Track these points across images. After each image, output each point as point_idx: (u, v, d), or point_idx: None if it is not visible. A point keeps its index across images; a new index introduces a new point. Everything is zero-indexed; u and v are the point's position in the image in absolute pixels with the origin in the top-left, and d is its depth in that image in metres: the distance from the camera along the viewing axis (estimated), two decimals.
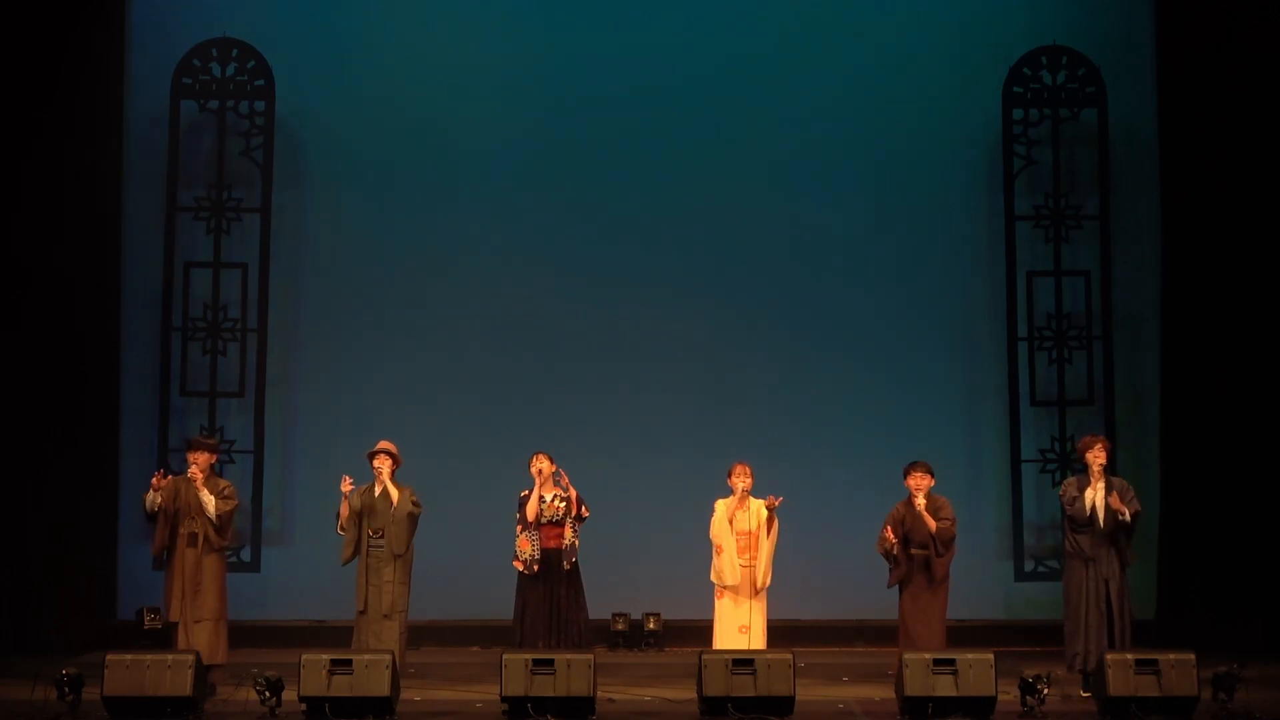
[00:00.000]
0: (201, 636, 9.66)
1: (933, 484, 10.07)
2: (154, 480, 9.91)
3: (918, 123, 12.91)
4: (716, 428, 12.50)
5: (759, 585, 10.11)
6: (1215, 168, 12.21)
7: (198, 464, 9.92)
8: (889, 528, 9.99)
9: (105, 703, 8.66)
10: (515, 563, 10.35)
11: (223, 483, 10.13)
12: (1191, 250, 12.32)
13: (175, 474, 10.33)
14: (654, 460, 12.54)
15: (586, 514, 10.44)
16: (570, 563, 10.32)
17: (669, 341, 12.83)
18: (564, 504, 10.34)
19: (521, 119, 12.96)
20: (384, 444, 10.29)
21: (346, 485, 10.14)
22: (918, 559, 10.03)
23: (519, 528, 10.36)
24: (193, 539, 9.81)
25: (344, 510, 10.15)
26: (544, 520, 10.31)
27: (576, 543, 10.36)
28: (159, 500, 9.82)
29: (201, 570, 9.81)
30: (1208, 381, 12.16)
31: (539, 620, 10.20)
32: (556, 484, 10.38)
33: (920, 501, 9.99)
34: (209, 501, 9.84)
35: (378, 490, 10.18)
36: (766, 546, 10.12)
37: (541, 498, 10.32)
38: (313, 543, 12.10)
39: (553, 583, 10.27)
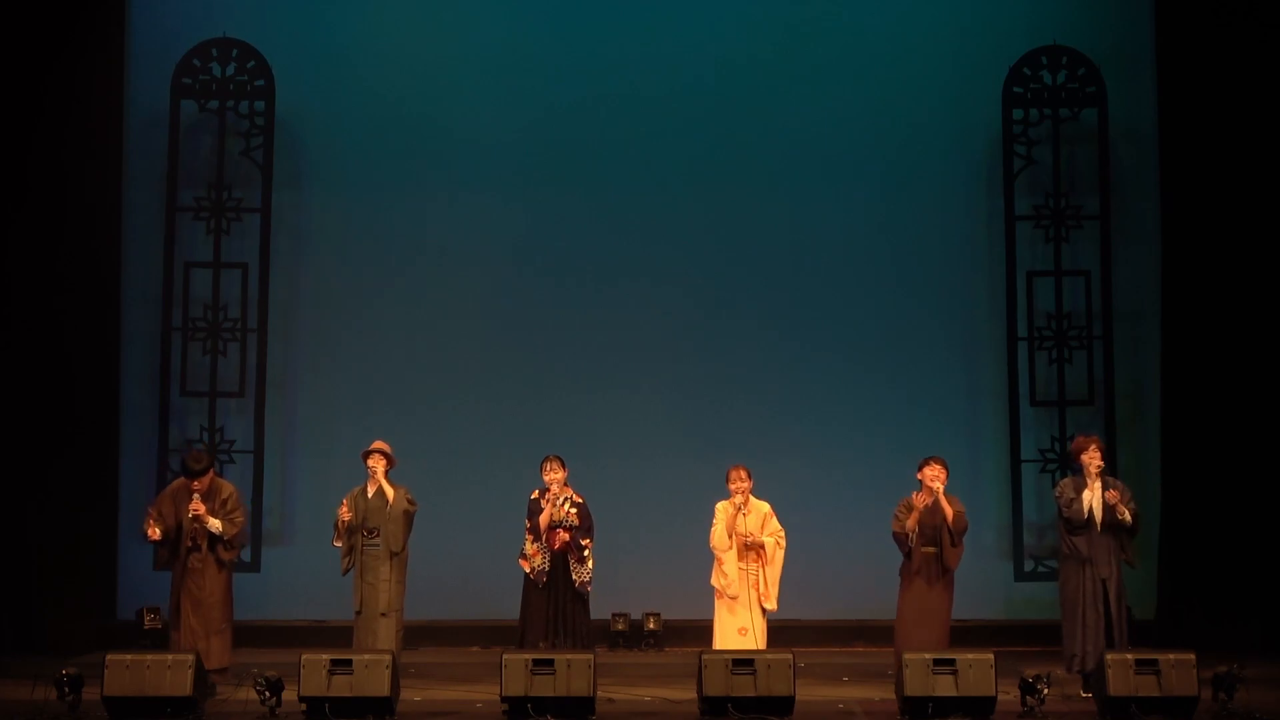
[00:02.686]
0: (206, 646, 9.61)
1: (946, 479, 10.00)
2: (151, 535, 9.81)
3: (918, 123, 12.90)
4: (716, 428, 12.50)
5: (765, 606, 10.08)
6: (1215, 168, 12.20)
7: (199, 490, 9.79)
8: (915, 513, 9.93)
9: (105, 703, 8.66)
10: (521, 561, 10.33)
11: (226, 490, 9.96)
12: (1191, 250, 12.31)
13: (175, 475, 10.30)
14: (654, 460, 12.53)
15: (588, 542, 10.38)
16: (583, 585, 10.29)
17: (669, 341, 12.83)
18: (575, 509, 10.31)
19: (521, 119, 12.96)
20: (378, 444, 10.29)
21: (346, 514, 10.11)
22: (930, 557, 9.99)
23: (529, 535, 10.33)
24: (196, 546, 9.76)
25: (341, 527, 10.15)
26: (552, 524, 10.28)
27: (585, 567, 10.31)
28: (158, 534, 9.76)
29: (207, 580, 9.74)
30: (1208, 381, 12.15)
31: (541, 622, 10.19)
32: (573, 545, 10.33)
33: (938, 487, 9.93)
34: (216, 526, 9.74)
35: (371, 490, 10.19)
36: (771, 573, 10.08)
37: (551, 501, 10.31)
38: (313, 543, 12.09)
39: (557, 586, 10.24)
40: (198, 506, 9.71)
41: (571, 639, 10.14)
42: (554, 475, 10.29)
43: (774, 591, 10.09)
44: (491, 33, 13.03)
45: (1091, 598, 9.73)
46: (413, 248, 12.93)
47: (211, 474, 9.98)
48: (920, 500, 9.94)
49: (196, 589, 9.73)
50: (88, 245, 12.31)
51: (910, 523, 9.94)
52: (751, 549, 10.08)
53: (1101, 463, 9.86)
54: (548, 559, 10.24)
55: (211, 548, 9.78)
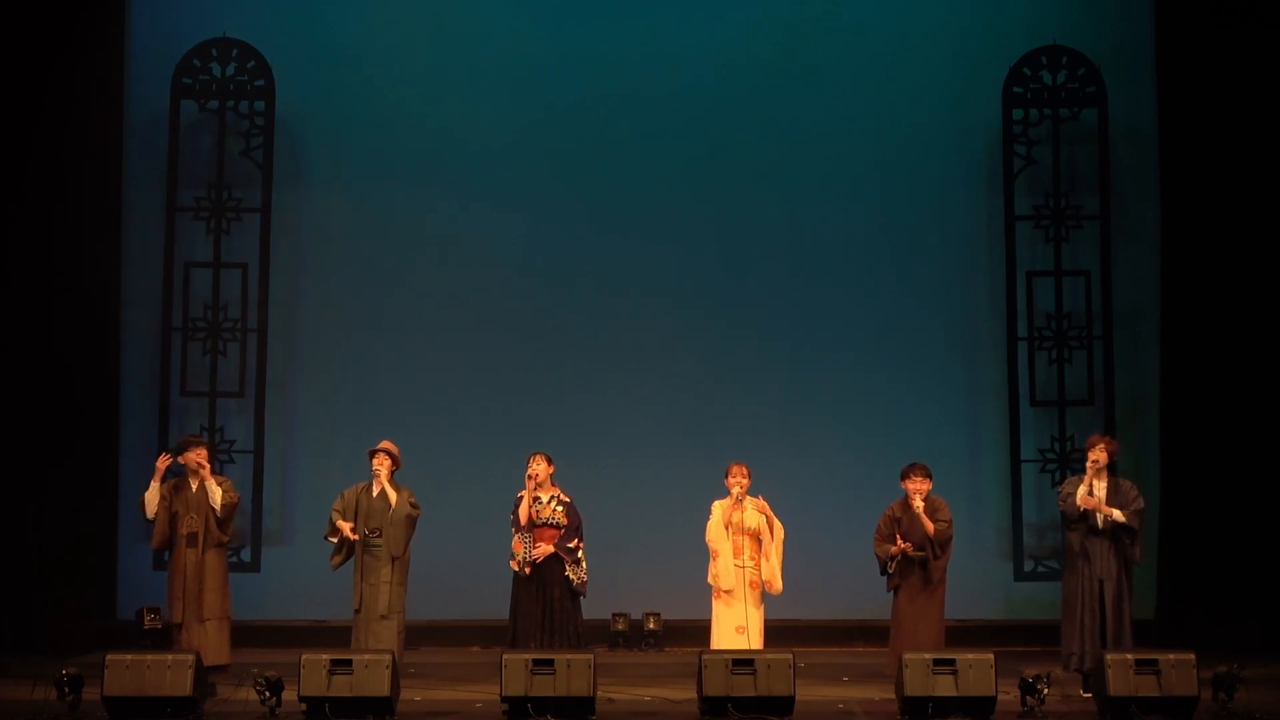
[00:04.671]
0: (205, 637, 9.67)
1: (930, 487, 10.09)
2: (158, 463, 9.93)
3: (918, 123, 12.90)
4: (716, 428, 12.50)
5: (771, 589, 10.10)
6: (1215, 168, 12.21)
7: (200, 458, 9.96)
8: (898, 537, 9.99)
9: (105, 703, 8.66)
10: (511, 563, 10.34)
11: (220, 477, 10.20)
12: (1191, 250, 12.31)
13: (174, 475, 10.34)
14: (654, 460, 12.53)
15: (579, 544, 10.38)
16: (581, 585, 10.30)
17: (669, 341, 12.83)
18: (561, 508, 10.31)
19: (521, 119, 12.96)
20: (385, 444, 10.29)
21: (351, 535, 10.13)
22: (914, 561, 10.05)
23: (513, 529, 10.35)
24: (193, 538, 9.86)
25: (337, 525, 10.19)
26: (539, 522, 10.27)
27: (581, 568, 10.32)
28: (158, 502, 9.86)
29: (203, 570, 9.86)
30: (1208, 381, 12.15)
31: (531, 620, 10.18)
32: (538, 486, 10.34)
33: (918, 504, 10.01)
34: (216, 493, 9.88)
35: (375, 490, 10.19)
36: (774, 553, 10.13)
37: (537, 499, 10.28)
38: (313, 543, 12.02)
39: (547, 584, 10.24)
40: (202, 463, 9.88)
41: (562, 637, 10.13)
42: (535, 468, 10.28)
43: (778, 574, 10.09)
44: (491, 33, 13.03)
45: (1088, 598, 9.74)
46: (413, 247, 12.93)
47: (206, 453, 10.12)
48: (898, 550, 10.00)
49: (195, 579, 9.81)
50: (88, 245, 12.30)
51: (894, 550, 10.00)
52: (750, 538, 10.11)
53: (1100, 457, 9.85)
54: (530, 550, 10.23)
55: (208, 534, 9.86)
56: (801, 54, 12.98)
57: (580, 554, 10.28)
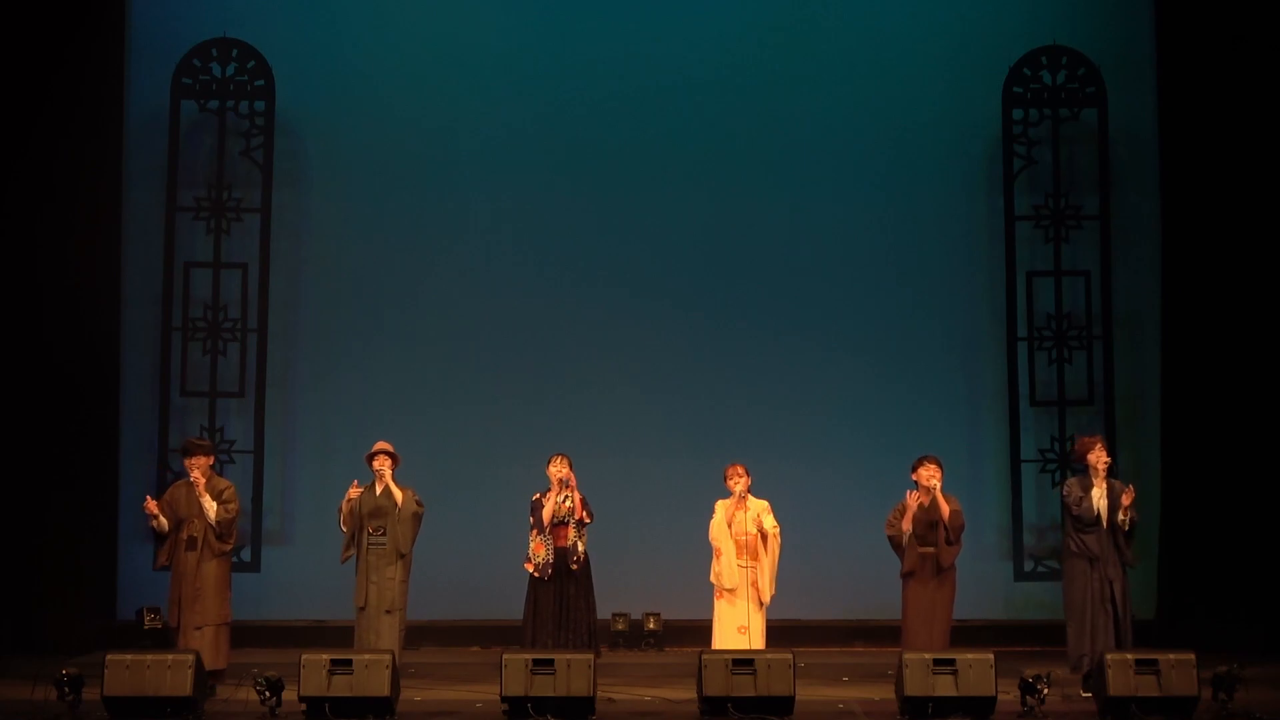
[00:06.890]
0: (201, 642, 9.63)
1: (941, 479, 10.06)
2: (147, 506, 9.86)
3: (918, 123, 12.90)
4: (717, 428, 12.51)
5: (762, 599, 10.13)
6: (1215, 168, 12.21)
7: (198, 468, 9.91)
8: (909, 513, 9.97)
9: (105, 703, 8.66)
10: (526, 565, 10.37)
11: (223, 484, 10.10)
12: (1191, 250, 12.31)
13: (175, 475, 10.33)
14: (654, 460, 12.53)
15: (589, 519, 10.46)
16: (577, 564, 10.37)
17: (670, 341, 12.83)
18: (569, 503, 10.37)
19: (522, 119, 12.96)
20: (382, 444, 10.31)
21: (355, 491, 10.15)
22: (927, 556, 10.03)
23: (534, 531, 10.38)
24: (192, 542, 9.82)
25: (345, 508, 10.18)
26: (556, 520, 10.36)
27: (581, 546, 10.40)
28: (165, 524, 9.83)
29: (201, 575, 9.80)
30: (1208, 381, 12.15)
31: (550, 619, 10.25)
32: (564, 486, 10.41)
33: (935, 484, 9.98)
34: (210, 508, 9.83)
35: (379, 489, 10.20)
36: (767, 562, 10.14)
37: (553, 496, 10.38)
38: (313, 543, 12.12)
39: (562, 582, 10.33)
40: (197, 477, 9.82)
41: (575, 635, 10.24)
42: (565, 470, 10.39)
43: (769, 580, 10.12)
44: (491, 34, 13.03)
45: (1099, 598, 9.76)
46: (413, 247, 12.93)
47: (211, 460, 10.10)
48: (915, 499, 9.97)
49: (192, 584, 9.78)
50: (88, 245, 12.30)
51: (905, 524, 9.98)
52: (750, 547, 10.12)
53: (1109, 460, 9.89)
54: (552, 553, 10.30)
55: (207, 542, 9.83)
56: (802, 54, 12.98)
57: (584, 524, 10.45)
